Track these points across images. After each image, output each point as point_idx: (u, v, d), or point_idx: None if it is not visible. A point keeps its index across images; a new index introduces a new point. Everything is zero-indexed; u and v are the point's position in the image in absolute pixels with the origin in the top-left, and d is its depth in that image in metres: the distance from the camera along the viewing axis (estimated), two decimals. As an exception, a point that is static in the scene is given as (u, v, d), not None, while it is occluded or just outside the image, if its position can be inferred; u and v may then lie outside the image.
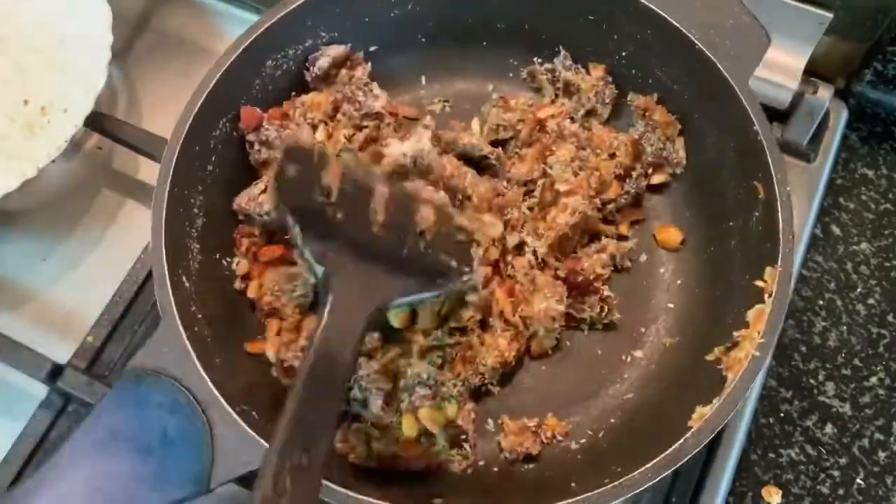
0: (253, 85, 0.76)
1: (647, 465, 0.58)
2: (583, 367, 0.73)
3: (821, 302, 0.81)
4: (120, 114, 0.89)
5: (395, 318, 0.70)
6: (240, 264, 0.74)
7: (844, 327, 0.80)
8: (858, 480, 0.74)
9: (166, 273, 0.64)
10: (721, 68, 0.70)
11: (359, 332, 0.56)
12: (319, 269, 0.57)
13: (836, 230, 0.85)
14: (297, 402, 0.51)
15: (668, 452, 0.58)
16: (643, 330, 0.74)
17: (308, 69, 0.79)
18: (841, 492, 0.74)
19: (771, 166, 0.66)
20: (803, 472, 0.74)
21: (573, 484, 0.62)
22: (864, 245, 0.84)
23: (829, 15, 0.78)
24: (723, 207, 0.73)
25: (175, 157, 0.68)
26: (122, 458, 0.57)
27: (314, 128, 0.77)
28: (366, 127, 0.77)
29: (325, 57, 0.78)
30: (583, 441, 0.69)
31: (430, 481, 0.67)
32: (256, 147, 0.75)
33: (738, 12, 0.72)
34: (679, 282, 0.75)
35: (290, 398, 0.51)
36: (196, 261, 0.69)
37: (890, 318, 0.81)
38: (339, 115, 0.78)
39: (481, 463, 0.69)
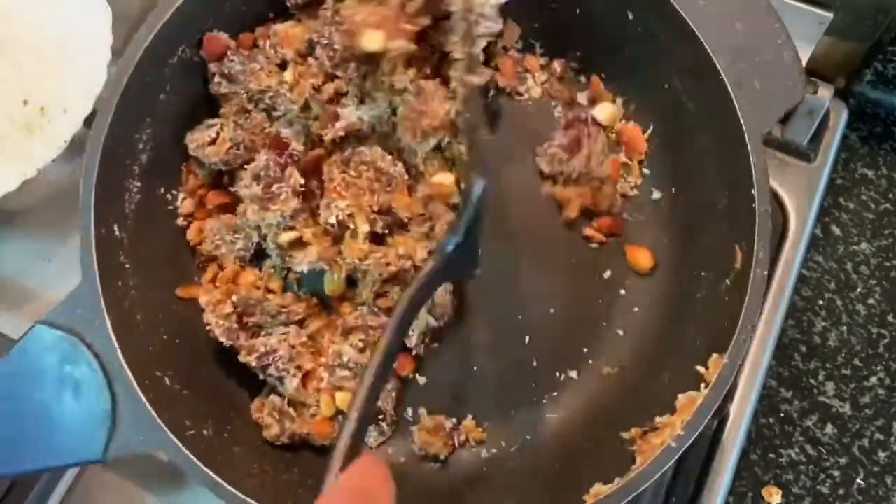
0: (223, 7, 0.68)
1: None
2: (514, 373, 0.70)
3: (821, 302, 0.81)
4: (120, 114, 0.89)
5: (329, 284, 0.69)
6: (185, 202, 0.71)
7: (844, 327, 0.80)
8: (858, 480, 0.74)
9: (92, 226, 0.61)
10: (739, 113, 0.61)
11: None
12: None
13: (836, 230, 0.85)
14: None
15: None
16: (585, 350, 0.70)
17: None
18: (841, 492, 0.74)
19: (756, 240, 0.60)
20: (803, 472, 0.74)
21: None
22: (864, 245, 0.84)
23: (829, 15, 0.78)
24: (700, 253, 0.68)
25: (120, 93, 0.63)
26: (20, 415, 0.57)
27: (282, 65, 0.70)
28: (338, 77, 0.68)
29: None
30: (493, 451, 0.68)
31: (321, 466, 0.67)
32: (217, 79, 0.70)
33: (781, 46, 0.62)
34: (636, 310, 0.71)
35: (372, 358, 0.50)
36: (134, 202, 0.66)
37: (890, 318, 0.81)
38: (310, 60, 0.69)
39: (390, 451, 0.69)
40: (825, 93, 0.81)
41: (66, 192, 0.86)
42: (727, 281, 0.63)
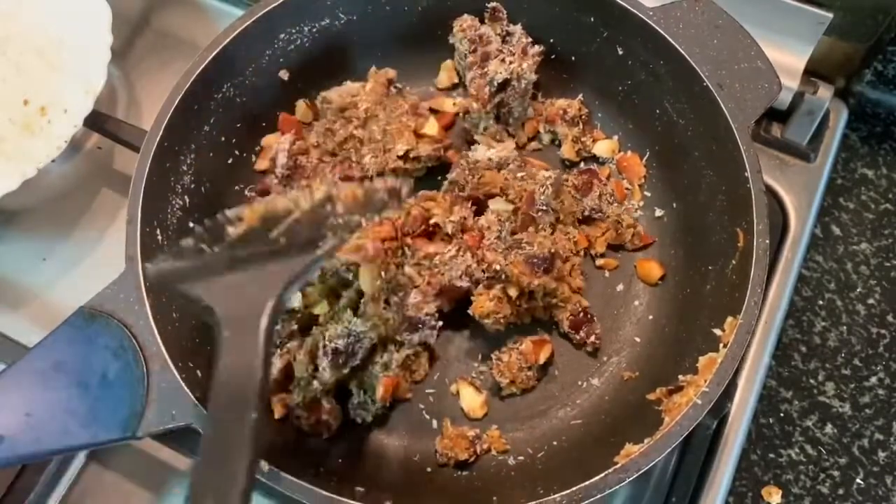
0: (263, 54, 0.77)
1: (563, 492, 0.57)
2: (538, 385, 0.72)
3: (821, 302, 0.81)
4: (120, 114, 0.89)
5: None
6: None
7: (844, 327, 0.80)
8: (858, 480, 0.74)
9: (138, 220, 0.64)
10: (725, 111, 0.68)
11: (261, 341, 0.51)
12: (209, 309, 0.53)
13: (836, 230, 0.85)
14: (210, 427, 0.50)
15: (585, 484, 0.57)
16: (605, 359, 0.73)
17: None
18: (841, 492, 0.74)
19: (755, 216, 0.65)
20: (803, 472, 0.74)
21: (494, 498, 0.62)
22: (864, 245, 0.84)
23: (829, 15, 0.78)
24: (705, 250, 0.72)
25: (172, 108, 0.68)
26: (59, 390, 0.59)
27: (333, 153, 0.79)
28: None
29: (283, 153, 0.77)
30: (521, 458, 0.69)
31: (356, 474, 0.67)
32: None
33: (754, 56, 0.70)
34: (651, 317, 0.74)
35: (204, 426, 0.51)
36: (175, 216, 0.70)
37: (890, 318, 0.81)
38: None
39: (416, 458, 0.69)
40: (825, 93, 0.81)
41: (66, 193, 0.86)
42: (733, 261, 0.67)
